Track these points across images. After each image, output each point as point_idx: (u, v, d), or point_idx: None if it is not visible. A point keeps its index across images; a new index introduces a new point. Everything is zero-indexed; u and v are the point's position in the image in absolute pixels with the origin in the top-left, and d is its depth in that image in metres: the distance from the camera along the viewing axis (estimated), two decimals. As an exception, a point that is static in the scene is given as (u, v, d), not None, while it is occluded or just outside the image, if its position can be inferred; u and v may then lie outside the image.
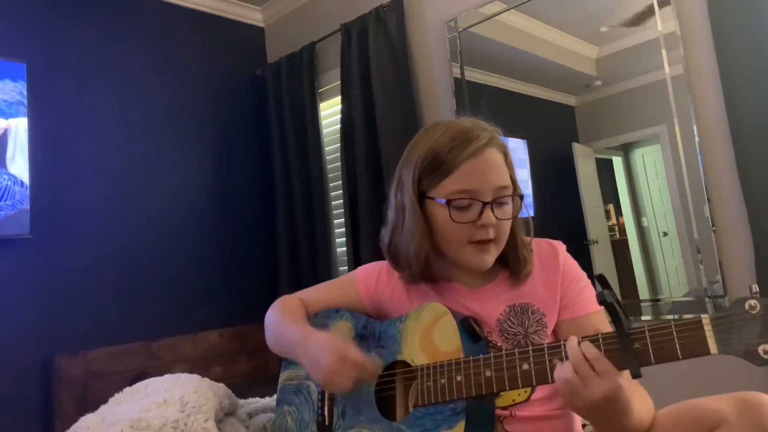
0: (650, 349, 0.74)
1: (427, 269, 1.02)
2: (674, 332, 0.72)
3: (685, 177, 1.74)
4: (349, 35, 2.51)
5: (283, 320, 1.12)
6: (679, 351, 0.72)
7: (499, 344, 0.98)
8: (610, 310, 0.75)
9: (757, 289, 0.69)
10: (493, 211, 0.95)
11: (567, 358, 0.79)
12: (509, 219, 0.98)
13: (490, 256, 0.98)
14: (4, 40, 2.21)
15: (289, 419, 1.10)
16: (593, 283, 1.03)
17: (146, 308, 2.44)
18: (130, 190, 2.48)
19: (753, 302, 0.69)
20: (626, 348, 0.74)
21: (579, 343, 0.78)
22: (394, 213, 1.05)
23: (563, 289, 1.01)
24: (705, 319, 0.71)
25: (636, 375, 0.74)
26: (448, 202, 0.95)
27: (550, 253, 1.04)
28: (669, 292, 1.83)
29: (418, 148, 1.01)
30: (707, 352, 0.70)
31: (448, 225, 0.96)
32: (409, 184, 1.00)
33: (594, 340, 0.78)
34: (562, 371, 0.77)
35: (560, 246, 1.05)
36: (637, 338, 0.75)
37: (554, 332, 1.01)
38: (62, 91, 2.34)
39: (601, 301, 0.75)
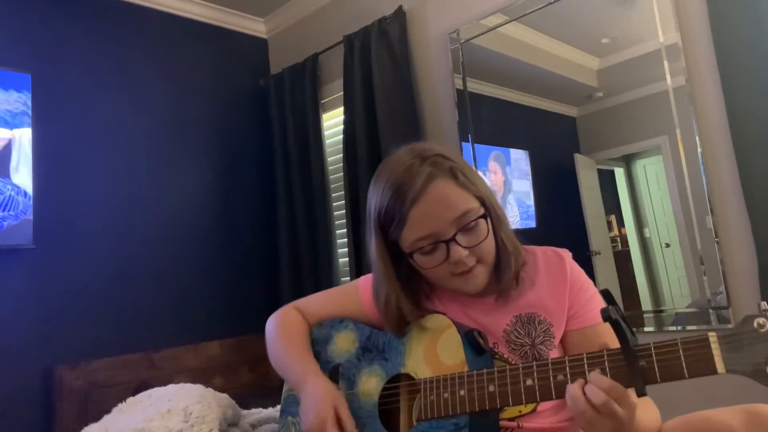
0: (656, 367, 0.72)
1: (401, 321, 0.99)
2: (681, 350, 0.71)
3: (687, 188, 1.74)
4: (352, 46, 2.52)
5: (284, 348, 1.11)
6: (685, 370, 0.70)
7: (506, 356, 0.97)
8: (615, 326, 0.74)
9: (766, 307, 0.68)
10: (459, 243, 0.91)
11: (570, 374, 0.78)
12: (484, 240, 0.94)
13: (480, 279, 0.96)
14: (9, 50, 2.22)
15: (292, 430, 1.09)
16: (598, 296, 1.02)
17: (147, 319, 2.44)
18: (133, 201, 2.48)
19: (762, 320, 0.67)
20: (632, 366, 0.73)
21: (583, 392, 0.75)
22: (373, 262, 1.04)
23: (571, 298, 0.99)
24: (712, 336, 0.69)
25: (641, 393, 0.73)
26: (411, 254, 0.95)
27: (557, 262, 1.02)
28: (672, 303, 1.83)
29: (370, 205, 1.00)
30: (714, 371, 0.69)
31: (424, 270, 0.97)
32: (372, 237, 1.00)
33: (599, 356, 0.77)
34: (571, 404, 0.75)
35: (566, 254, 1.04)
36: (642, 356, 0.73)
37: (562, 342, 0.99)
38: (66, 102, 2.35)
39: (606, 317, 0.74)
